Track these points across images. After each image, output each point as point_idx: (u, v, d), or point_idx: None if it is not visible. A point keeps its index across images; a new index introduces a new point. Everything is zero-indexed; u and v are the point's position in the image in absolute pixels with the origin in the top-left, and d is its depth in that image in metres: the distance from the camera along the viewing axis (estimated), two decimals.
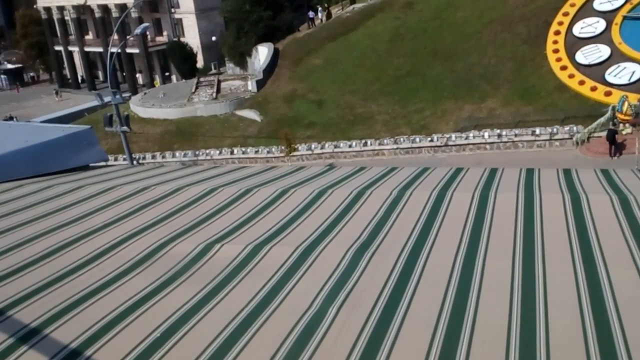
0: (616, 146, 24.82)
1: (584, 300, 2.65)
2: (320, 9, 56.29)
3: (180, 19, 65.63)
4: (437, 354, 2.37)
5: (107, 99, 29.91)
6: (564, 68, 31.03)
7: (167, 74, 67.64)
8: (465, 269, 3.01)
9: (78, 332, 2.62)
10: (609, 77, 29.14)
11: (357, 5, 49.81)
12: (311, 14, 54.10)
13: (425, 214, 3.80)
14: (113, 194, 4.52)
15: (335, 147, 34.16)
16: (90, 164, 5.69)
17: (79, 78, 77.51)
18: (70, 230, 3.84)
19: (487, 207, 3.79)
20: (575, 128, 27.30)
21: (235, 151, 36.77)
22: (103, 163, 5.95)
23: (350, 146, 33.76)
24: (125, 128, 28.25)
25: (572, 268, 2.93)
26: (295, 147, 34.58)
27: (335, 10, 54.90)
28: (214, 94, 45.03)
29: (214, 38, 59.77)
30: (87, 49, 74.51)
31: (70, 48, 76.50)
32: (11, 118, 56.97)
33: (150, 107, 44.39)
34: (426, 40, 39.67)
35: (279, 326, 2.64)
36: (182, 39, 62.98)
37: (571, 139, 27.05)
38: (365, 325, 2.57)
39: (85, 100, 61.09)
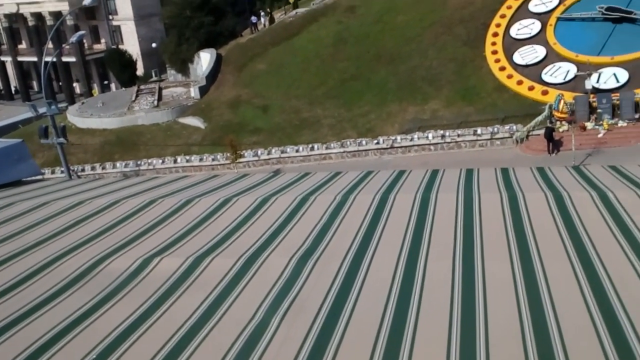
0: (554, 143, 25.59)
1: (521, 295, 2.71)
2: (262, 14, 56.06)
3: (119, 26, 64.18)
4: (380, 358, 2.35)
5: (42, 109, 28.75)
6: (502, 69, 31.86)
7: (106, 82, 66.00)
8: (407, 271, 3.02)
9: (14, 353, 2.49)
10: (546, 77, 30.08)
11: (300, 10, 49.87)
12: (254, 19, 53.85)
13: (369, 218, 3.80)
14: (46, 209, 4.35)
15: (282, 152, 34.04)
16: (23, 179, 5.46)
17: (12, 89, 74.87)
18: (1, 249, 3.67)
19: (428, 208, 3.83)
20: (514, 127, 28.04)
21: (179, 160, 36.16)
22: (37, 177, 5.72)
23: (297, 151, 33.71)
24: (61, 140, 27.19)
25: (510, 264, 3.00)
26: (241, 153, 34.27)
27: (278, 15, 54.80)
28: (155, 102, 44.19)
29: (154, 45, 58.70)
30: (20, 58, 71.92)
31: (2, 58, 73.66)
32: None
33: (89, 117, 43.17)
34: (369, 44, 40.05)
35: (221, 339, 2.57)
36: (120, 46, 61.54)
37: (511, 137, 27.73)
38: (309, 334, 2.54)
39: (19, 112, 58.85)
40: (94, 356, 2.48)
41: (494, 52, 33.41)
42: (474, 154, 27.50)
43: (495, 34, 34.42)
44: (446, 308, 2.64)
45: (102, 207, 4.32)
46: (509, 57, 32.60)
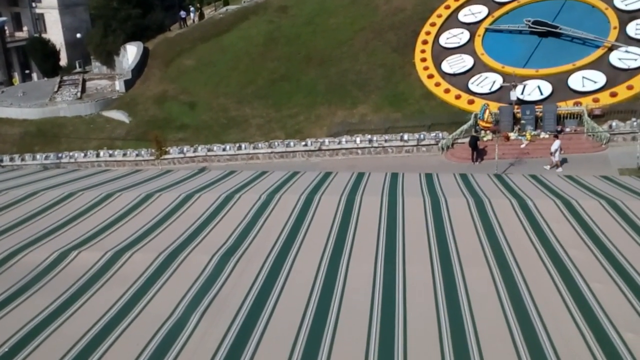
0: (478, 152, 26.32)
1: (440, 298, 2.79)
2: (192, 9, 55.21)
3: (42, 14, 61.71)
4: (298, 358, 2.38)
5: None
6: (430, 76, 32.54)
7: (27, 71, 63.28)
8: (329, 272, 3.06)
9: None
10: (472, 86, 30.87)
11: (231, 7, 49.43)
12: (183, 13, 52.93)
13: (293, 218, 3.82)
14: None
15: (209, 150, 33.63)
16: None
17: None
18: None
19: (353, 210, 3.89)
20: (440, 134, 28.72)
21: (102, 154, 35.11)
22: None
23: (224, 150, 33.39)
24: None
25: (430, 268, 3.08)
26: (167, 150, 33.62)
27: (208, 11, 54.12)
28: (79, 94, 42.77)
29: (79, 35, 56.74)
30: None
31: None
32: None
33: (8, 106, 41.33)
34: (300, 45, 40.17)
35: (138, 336, 2.53)
36: (44, 35, 59.20)
37: (437, 144, 28.42)
38: (228, 332, 2.54)
39: None
40: (6, 349, 2.40)
41: (423, 60, 34.10)
42: (400, 159, 28.07)
43: (425, 42, 35.16)
44: (366, 309, 2.69)
45: (18, 198, 4.16)
46: (438, 65, 33.36)
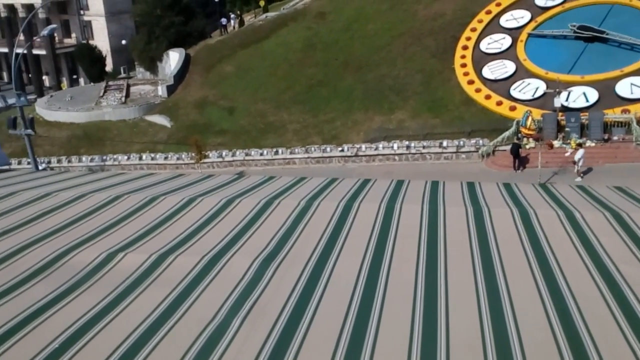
0: (520, 160, 25.92)
1: (483, 308, 2.76)
2: (233, 16, 55.91)
3: (90, 22, 63.35)
4: None
5: (11, 100, 28.44)
6: (471, 82, 32.18)
7: (75, 76, 65.01)
8: (370, 279, 3.07)
9: None
10: (514, 92, 30.38)
11: (270, 14, 49.89)
12: (224, 20, 53.67)
13: (332, 225, 3.85)
14: (13, 200, 4.31)
15: (247, 155, 33.97)
16: None
17: None
18: None
19: (392, 218, 3.89)
20: (481, 141, 28.35)
21: (144, 157, 35.82)
22: (5, 167, 5.67)
23: (261, 154, 33.68)
24: (29, 131, 26.90)
25: (473, 278, 3.05)
26: (206, 154, 34.10)
27: (248, 18, 54.72)
28: (123, 98, 43.73)
29: (124, 42, 58.06)
30: None
31: None
32: None
33: (57, 110, 42.52)
34: (338, 51, 40.27)
35: (182, 337, 2.60)
36: (91, 42, 60.76)
37: (477, 151, 28.05)
38: (269, 336, 2.58)
39: None
40: (57, 345, 2.49)
41: (463, 65, 33.71)
42: (438, 166, 27.82)
43: (465, 47, 34.77)
44: (408, 317, 2.70)
45: (68, 199, 4.29)
46: (478, 71, 32.94)
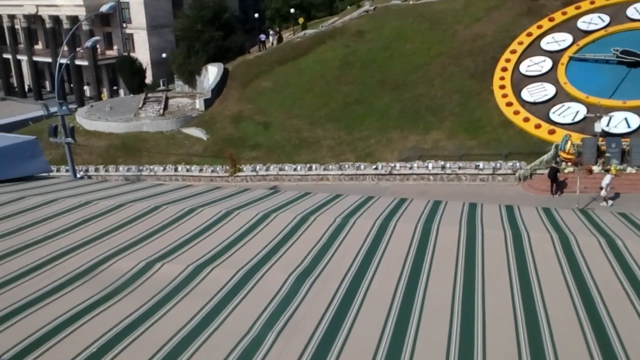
0: (558, 184, 25.48)
1: (521, 335, 2.71)
2: (271, 32, 56.63)
3: (132, 34, 64.87)
4: None
5: (53, 109, 29.23)
6: (509, 104, 31.88)
7: (115, 87, 66.52)
8: (405, 299, 3.04)
9: (12, 343, 2.55)
10: (554, 116, 29.96)
11: (309, 31, 50.37)
12: (262, 37, 54.39)
13: (368, 243, 3.83)
14: (55, 206, 4.41)
15: (280, 169, 34.16)
16: (33, 175, 5.57)
17: (26, 87, 75.56)
18: (10, 240, 3.74)
19: (429, 239, 3.85)
20: (518, 164, 28.00)
21: (180, 169, 36.33)
22: (46, 174, 5.81)
23: (295, 169, 33.83)
24: (69, 139, 27.58)
25: (511, 303, 3.00)
26: (240, 167, 34.41)
27: (287, 35, 55.35)
28: (161, 110, 44.51)
29: (164, 55, 59.23)
30: (35, 58, 72.77)
31: (19, 57, 74.62)
32: None
33: (97, 119, 43.49)
34: (375, 69, 40.38)
35: (217, 349, 2.60)
36: (132, 54, 62.17)
37: (514, 174, 27.70)
38: (304, 352, 2.57)
39: (30, 110, 59.48)
40: (94, 349, 2.53)
41: (502, 87, 33.43)
42: (474, 188, 27.53)
43: (504, 69, 34.49)
44: (444, 341, 2.66)
45: (108, 208, 4.37)
46: (517, 93, 32.62)
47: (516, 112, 31.35)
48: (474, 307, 2.99)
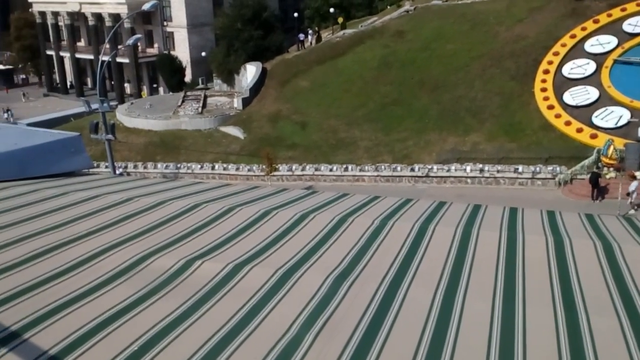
0: (599, 190, 24.91)
1: (563, 346, 2.65)
2: (310, 32, 56.76)
3: (172, 33, 65.80)
4: None
5: (94, 106, 29.89)
6: (551, 107, 31.32)
7: (155, 85, 67.58)
8: (444, 305, 3.01)
9: (55, 340, 2.60)
10: (596, 120, 29.29)
11: (348, 31, 50.33)
12: (301, 36, 54.56)
13: (407, 246, 3.80)
14: (97, 202, 4.49)
15: (316, 169, 34.22)
16: (76, 171, 5.69)
17: (68, 83, 77.39)
18: (53, 235, 3.81)
19: (469, 244, 3.81)
20: (558, 168, 27.48)
21: (217, 167, 36.71)
22: (88, 170, 5.94)
23: (331, 170, 33.85)
24: (110, 136, 28.12)
25: (553, 312, 2.94)
26: (276, 167, 34.60)
27: (326, 34, 55.40)
28: (200, 109, 45.03)
29: (203, 53, 59.93)
30: (78, 55, 74.49)
31: (62, 53, 76.51)
32: (8, 110, 61.75)
33: (136, 117, 44.26)
34: (414, 70, 40.13)
35: (255, 349, 2.62)
36: (172, 52, 63.09)
37: (554, 179, 27.19)
38: (342, 355, 2.56)
39: (71, 106, 61.00)
40: (136, 347, 2.57)
41: (544, 90, 32.92)
42: (512, 192, 27.16)
43: (547, 71, 33.94)
44: (483, 349, 2.63)
45: (149, 205, 4.43)
46: (559, 96, 32.07)
47: (557, 116, 30.82)
48: (514, 314, 2.94)
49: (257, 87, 44.84)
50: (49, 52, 78.23)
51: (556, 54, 34.59)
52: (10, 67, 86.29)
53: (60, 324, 2.75)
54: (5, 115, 61.99)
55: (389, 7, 56.89)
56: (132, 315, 2.85)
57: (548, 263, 3.53)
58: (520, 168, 28.19)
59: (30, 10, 79.24)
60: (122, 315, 2.84)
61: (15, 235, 3.80)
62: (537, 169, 27.95)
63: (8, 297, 2.97)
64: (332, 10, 59.39)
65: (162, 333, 2.70)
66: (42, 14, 76.44)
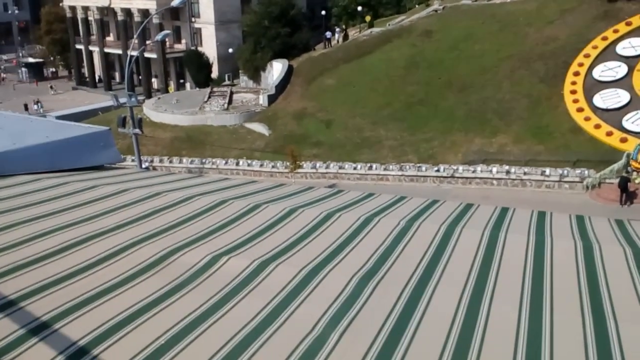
0: (627, 194, 24.51)
1: (591, 354, 2.61)
2: (338, 30, 56.71)
3: (200, 29, 66.23)
4: None
5: (122, 100, 30.26)
6: (580, 110, 30.87)
7: (182, 81, 68.12)
8: (470, 309, 2.99)
9: (85, 331, 2.64)
10: (627, 124, 28.76)
11: (375, 30, 50.17)
12: (328, 34, 54.54)
13: (433, 248, 3.78)
14: (126, 196, 4.54)
15: (340, 168, 34.19)
16: (105, 164, 5.77)
17: (97, 77, 78.43)
18: (82, 228, 3.87)
19: (496, 247, 3.77)
20: (586, 172, 27.06)
21: (241, 163, 36.89)
22: (117, 164, 6.01)
23: (355, 168, 33.79)
24: (137, 130, 28.44)
25: (581, 319, 2.89)
26: (300, 164, 34.66)
27: (353, 33, 55.30)
28: (226, 105, 45.29)
29: (230, 50, 60.24)
30: (107, 49, 75.44)
31: (91, 48, 77.57)
32: (37, 102, 63.93)
33: (163, 112, 44.67)
34: (441, 70, 39.86)
35: (280, 347, 2.63)
36: (199, 48, 63.50)
37: (582, 182, 26.80)
38: (367, 356, 2.56)
39: (99, 100, 61.86)
40: (163, 341, 2.59)
41: (573, 92, 32.47)
42: (539, 195, 26.85)
43: (577, 74, 33.46)
44: (509, 356, 2.60)
45: (177, 200, 4.47)
46: (589, 98, 31.61)
47: (587, 119, 30.38)
48: (541, 320, 2.91)
49: (282, 84, 44.94)
50: (78, 46, 79.35)
51: (587, 56, 34.07)
52: (41, 60, 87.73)
53: (89, 316, 2.79)
54: (35, 106, 63.30)
55: (417, 6, 56.58)
56: (159, 310, 2.88)
57: (577, 269, 3.48)
58: (548, 171, 27.83)
59: (60, 4, 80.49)
60: (150, 309, 2.87)
61: (45, 227, 3.87)
62: (565, 172, 27.58)
63: (38, 289, 3.02)
64: (359, 8, 59.26)
65: (188, 328, 2.73)
66: (73, 8, 77.53)
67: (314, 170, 34.70)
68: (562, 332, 2.80)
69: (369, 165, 33.51)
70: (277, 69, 47.28)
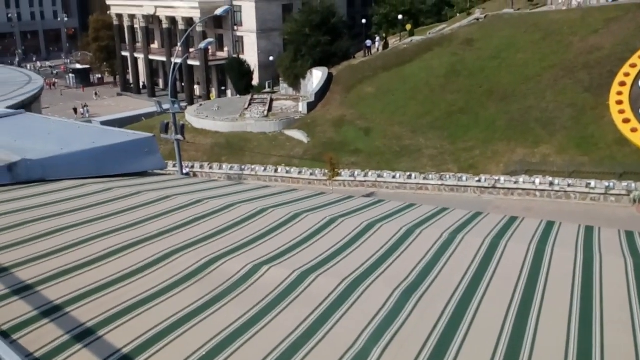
0: None
1: None
2: (378, 38, 56.61)
3: (242, 37, 67.02)
4: None
5: (165, 106, 30.80)
6: (626, 121, 30.12)
7: (223, 88, 68.98)
8: (517, 325, 2.89)
9: (126, 341, 2.64)
10: None
11: (416, 38, 49.91)
12: (368, 42, 54.49)
13: (477, 262, 3.69)
14: (169, 203, 4.57)
15: (379, 176, 34.02)
16: (148, 171, 5.84)
17: (141, 84, 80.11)
18: (126, 234, 3.90)
19: (542, 262, 3.66)
20: (634, 185, 26.33)
21: (280, 170, 37.05)
22: (159, 171, 6.07)
23: (393, 177, 33.57)
24: (179, 136, 28.84)
25: (633, 339, 2.79)
26: (339, 172, 34.60)
27: (393, 41, 55.12)
28: (266, 112, 45.61)
29: (271, 58, 60.74)
30: (151, 57, 77.06)
31: (136, 55, 79.35)
32: (85, 106, 67.04)
33: (204, 118, 45.25)
34: (483, 78, 39.37)
35: None
36: (241, 56, 64.24)
37: (628, 195, 26.08)
38: None
39: (143, 106, 63.15)
40: (203, 352, 2.58)
41: (619, 102, 31.71)
42: (583, 207, 26.22)
43: (623, 84, 32.67)
44: None
45: (218, 208, 4.48)
46: (636, 109, 30.82)
47: (634, 130, 29.59)
48: (591, 339, 2.80)
49: (322, 92, 45.05)
50: (124, 53, 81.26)
51: (633, 65, 33.24)
52: (88, 66, 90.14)
53: (131, 324, 2.79)
54: (82, 110, 65.24)
55: (458, 15, 56.11)
56: (201, 319, 2.87)
57: (627, 287, 3.35)
58: (593, 183, 27.15)
59: (108, 12, 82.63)
60: (191, 319, 2.86)
61: (89, 233, 3.91)
62: (611, 184, 26.87)
63: (81, 295, 3.05)
64: (400, 17, 59.07)
65: (229, 339, 2.70)
66: (119, 16, 79.50)
67: (352, 179, 34.61)
68: (614, 352, 2.69)
69: (408, 174, 33.26)
70: (316, 76, 47.44)
